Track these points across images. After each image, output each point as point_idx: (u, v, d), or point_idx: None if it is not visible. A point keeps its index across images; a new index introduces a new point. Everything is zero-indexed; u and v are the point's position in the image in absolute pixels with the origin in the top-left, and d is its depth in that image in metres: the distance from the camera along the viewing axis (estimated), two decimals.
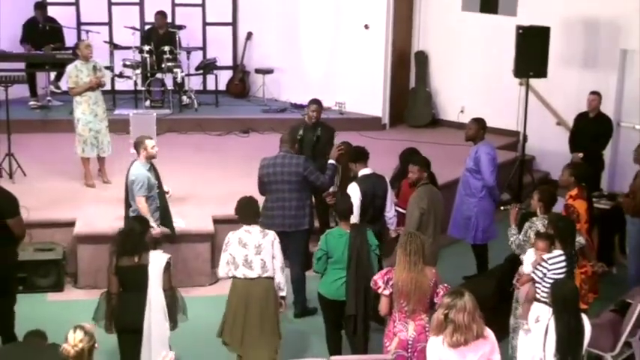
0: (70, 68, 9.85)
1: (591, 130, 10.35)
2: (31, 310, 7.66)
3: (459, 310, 5.08)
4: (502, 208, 8.03)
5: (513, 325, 6.83)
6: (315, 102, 8.97)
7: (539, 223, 6.99)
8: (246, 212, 6.71)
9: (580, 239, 7.02)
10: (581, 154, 10.25)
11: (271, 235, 6.69)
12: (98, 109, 9.77)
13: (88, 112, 9.69)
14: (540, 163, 12.24)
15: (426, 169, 7.79)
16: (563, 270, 6.36)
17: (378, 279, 6.03)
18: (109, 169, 10.02)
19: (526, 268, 6.68)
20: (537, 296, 6.36)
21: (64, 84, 12.69)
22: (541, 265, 6.37)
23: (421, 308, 5.96)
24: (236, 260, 6.59)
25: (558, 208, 7.51)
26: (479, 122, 8.75)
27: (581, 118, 10.58)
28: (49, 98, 12.67)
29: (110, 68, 12.29)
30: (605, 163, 11.05)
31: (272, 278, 6.64)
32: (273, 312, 6.66)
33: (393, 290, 5.94)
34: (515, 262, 7.28)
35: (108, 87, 11.01)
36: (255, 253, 6.58)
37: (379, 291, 6.00)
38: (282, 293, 6.77)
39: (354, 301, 6.76)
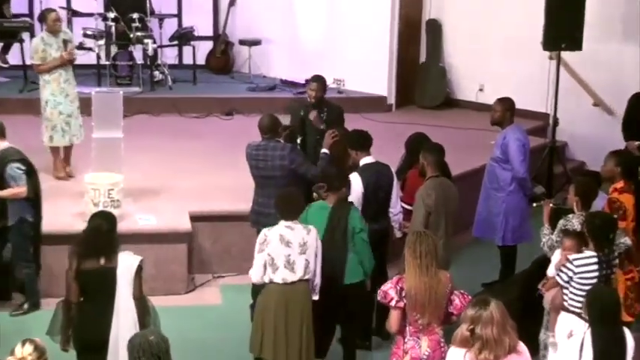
0: (35, 42, 9.79)
1: None
2: None
3: (486, 322, 5.04)
4: (534, 204, 8.01)
5: (544, 340, 6.82)
6: (316, 79, 8.98)
7: (575, 221, 6.96)
8: (288, 207, 6.74)
9: (625, 240, 7.00)
10: (637, 143, 10.16)
11: (314, 231, 6.77)
12: (69, 89, 9.74)
13: (58, 92, 9.65)
14: (574, 150, 12.28)
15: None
16: (594, 275, 6.33)
17: (389, 289, 5.91)
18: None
19: (550, 270, 6.71)
20: (565, 304, 6.36)
21: (13, 57, 12.73)
22: (566, 266, 6.36)
23: (436, 321, 5.92)
24: (275, 262, 6.61)
25: (600, 204, 7.49)
26: (505, 103, 8.73)
27: (637, 98, 10.46)
28: None
29: None
30: None
31: (308, 281, 6.72)
32: (310, 316, 6.74)
33: (406, 301, 5.86)
34: (544, 266, 7.27)
35: None
36: (300, 252, 6.62)
37: (392, 304, 5.89)
38: (315, 297, 6.85)
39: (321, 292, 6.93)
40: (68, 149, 9.94)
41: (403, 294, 5.86)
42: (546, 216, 7.38)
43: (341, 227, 7.06)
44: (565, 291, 6.37)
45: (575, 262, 6.32)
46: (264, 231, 6.74)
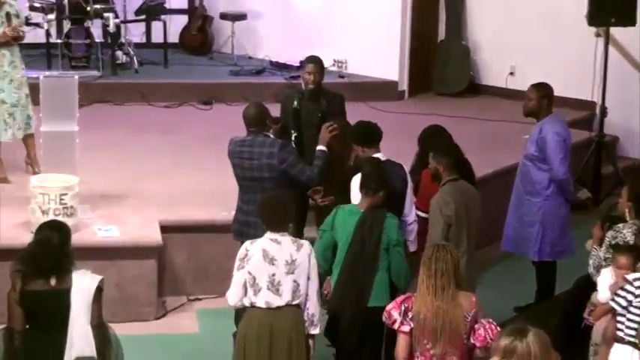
0: None
1: None
2: None
3: (522, 356, 5.00)
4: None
5: None
6: (312, 60, 9.00)
7: (627, 232, 6.99)
8: (273, 215, 6.73)
9: None
10: None
11: (307, 246, 6.73)
12: (14, 73, 9.81)
13: (0, 77, 9.69)
14: (626, 146, 12.36)
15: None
16: None
17: (392, 309, 5.98)
18: (9, 157, 9.98)
19: (602, 294, 6.68)
20: (620, 334, 6.34)
21: None
22: (624, 288, 6.34)
23: (453, 352, 5.94)
24: (257, 282, 6.59)
25: None
26: (542, 90, 8.73)
27: None
28: None
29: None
30: None
31: (300, 307, 6.70)
32: (303, 352, 6.70)
33: (413, 325, 5.91)
34: (589, 286, 7.26)
35: None
36: (287, 271, 6.59)
37: (395, 326, 5.97)
38: (315, 330, 6.80)
39: (340, 313, 7.01)
40: (29, 142, 9.95)
41: (409, 316, 5.92)
42: (596, 239, 7.33)
43: (373, 238, 7.03)
44: (621, 318, 6.35)
45: (636, 283, 6.29)
46: (246, 244, 6.71)
